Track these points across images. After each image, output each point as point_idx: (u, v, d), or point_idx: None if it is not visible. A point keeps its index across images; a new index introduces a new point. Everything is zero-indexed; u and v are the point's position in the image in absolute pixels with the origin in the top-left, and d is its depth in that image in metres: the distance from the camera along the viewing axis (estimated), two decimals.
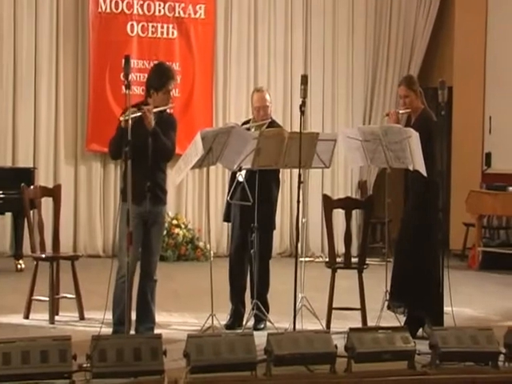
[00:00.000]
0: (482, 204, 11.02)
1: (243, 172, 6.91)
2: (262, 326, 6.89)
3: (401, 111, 6.98)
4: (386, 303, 6.82)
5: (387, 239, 7.49)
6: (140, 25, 11.32)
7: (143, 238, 6.34)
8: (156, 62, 6.99)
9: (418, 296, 6.70)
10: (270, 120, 7.12)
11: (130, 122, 5.77)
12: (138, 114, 6.13)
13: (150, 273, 6.41)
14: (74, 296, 7.27)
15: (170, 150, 6.34)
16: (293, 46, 12.05)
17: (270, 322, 6.86)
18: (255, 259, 6.92)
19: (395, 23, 12.41)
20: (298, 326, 6.33)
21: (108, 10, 11.20)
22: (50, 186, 8.58)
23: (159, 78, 6.36)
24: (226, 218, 7.29)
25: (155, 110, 6.25)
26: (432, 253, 6.66)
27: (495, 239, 11.57)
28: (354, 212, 7.98)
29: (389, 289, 6.83)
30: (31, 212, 7.68)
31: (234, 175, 7.06)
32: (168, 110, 6.53)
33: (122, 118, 5.97)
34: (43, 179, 10.72)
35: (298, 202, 6.45)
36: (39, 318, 7.14)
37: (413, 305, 6.77)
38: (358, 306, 6.97)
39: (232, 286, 7.10)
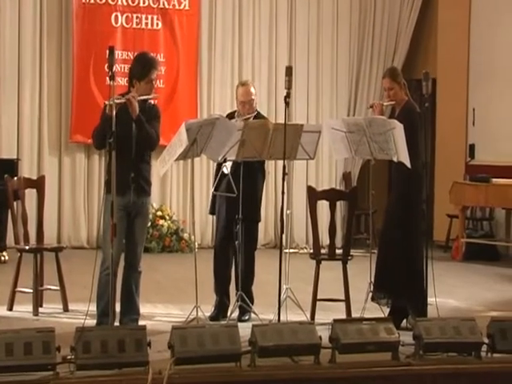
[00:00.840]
0: (465, 195, 11.03)
1: (228, 163, 6.89)
2: (247, 317, 6.89)
3: (385, 103, 6.97)
4: (370, 294, 6.83)
5: (371, 230, 7.53)
6: (124, 16, 11.27)
7: (127, 230, 6.31)
8: (139, 52, 6.94)
9: (401, 287, 6.71)
10: (255, 113, 7.09)
11: (114, 111, 5.74)
12: (123, 100, 6.10)
13: (135, 264, 6.39)
14: (57, 288, 7.23)
15: (154, 138, 6.31)
16: (277, 37, 12.02)
17: (254, 313, 6.86)
18: (240, 251, 6.90)
19: (379, 14, 12.40)
20: (282, 318, 6.33)
21: (92, 0, 11.14)
22: (34, 177, 8.55)
23: (142, 67, 6.34)
24: (212, 211, 7.25)
25: (139, 98, 6.23)
26: (415, 244, 6.68)
27: (478, 230, 11.57)
28: (338, 203, 7.95)
29: (373, 280, 6.84)
30: (15, 203, 7.64)
31: (219, 167, 7.03)
32: (152, 101, 6.51)
33: (106, 102, 5.93)
34: (27, 170, 10.70)
35: (283, 193, 6.42)
36: (23, 309, 7.11)
37: (396, 296, 6.78)
38: (343, 298, 6.96)
39: (217, 278, 7.09)
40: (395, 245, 6.74)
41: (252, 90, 7.10)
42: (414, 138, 6.63)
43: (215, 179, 7.06)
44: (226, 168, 6.92)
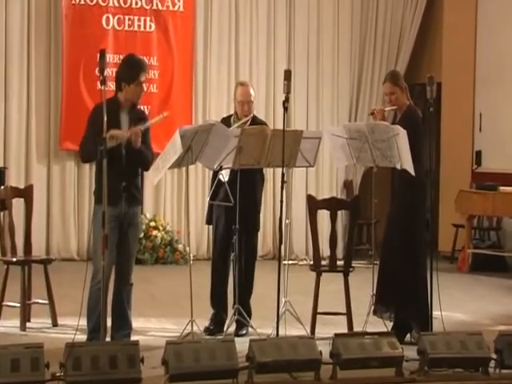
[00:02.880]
0: (471, 204, 10.96)
1: (225, 171, 6.80)
2: (244, 331, 6.82)
3: (387, 108, 6.93)
4: (373, 308, 6.78)
5: (374, 241, 7.49)
6: (116, 17, 11.18)
7: (119, 241, 6.24)
8: (126, 55, 6.83)
9: (404, 300, 6.66)
10: (251, 115, 7.01)
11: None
12: (115, 144, 5.98)
13: (126, 277, 6.35)
14: (46, 301, 7.18)
15: (150, 160, 6.30)
16: (276, 40, 11.94)
17: (252, 327, 6.79)
18: (238, 262, 6.84)
19: (382, 17, 12.35)
20: (281, 332, 6.28)
21: (82, 1, 11.04)
22: (22, 186, 8.45)
23: (130, 69, 6.28)
24: (209, 221, 7.18)
25: (142, 128, 6.12)
26: (419, 255, 6.62)
27: (486, 240, 11.53)
28: (339, 213, 7.97)
29: (375, 292, 6.78)
30: (1, 214, 7.58)
31: (215, 175, 6.96)
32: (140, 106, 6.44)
33: (101, 148, 5.73)
34: (14, 179, 10.58)
35: (282, 202, 6.37)
36: (10, 324, 7.03)
37: (399, 309, 6.72)
38: (344, 311, 6.92)
39: (214, 291, 7.02)
40: (397, 255, 6.69)
41: (251, 91, 7.07)
42: (416, 143, 6.58)
43: (211, 188, 6.96)
44: (223, 176, 6.83)
